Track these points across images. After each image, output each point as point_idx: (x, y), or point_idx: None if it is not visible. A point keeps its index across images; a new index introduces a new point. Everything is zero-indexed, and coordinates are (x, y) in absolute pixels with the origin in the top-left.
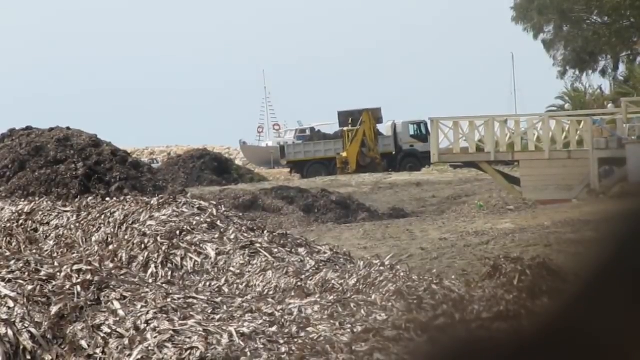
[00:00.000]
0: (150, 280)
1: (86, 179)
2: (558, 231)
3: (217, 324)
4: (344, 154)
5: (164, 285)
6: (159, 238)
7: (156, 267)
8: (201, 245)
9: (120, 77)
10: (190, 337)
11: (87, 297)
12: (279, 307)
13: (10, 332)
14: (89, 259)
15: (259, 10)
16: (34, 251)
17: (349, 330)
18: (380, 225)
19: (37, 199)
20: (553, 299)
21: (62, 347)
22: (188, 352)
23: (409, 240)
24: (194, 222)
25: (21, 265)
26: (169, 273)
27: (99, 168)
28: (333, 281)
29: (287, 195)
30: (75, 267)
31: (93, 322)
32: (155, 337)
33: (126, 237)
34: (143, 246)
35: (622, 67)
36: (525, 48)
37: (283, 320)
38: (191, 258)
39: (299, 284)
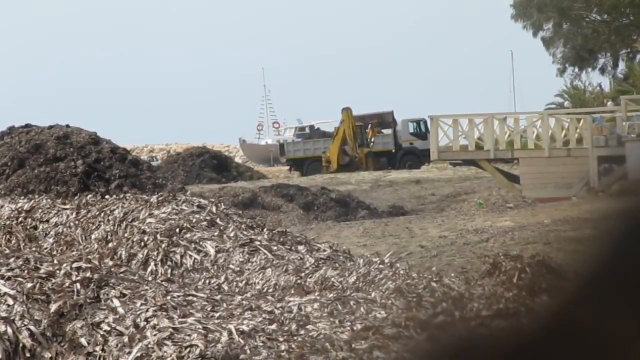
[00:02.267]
0: (150, 278)
1: (85, 176)
2: (557, 229)
3: (216, 321)
4: (328, 153)
5: (163, 282)
6: (158, 236)
7: (156, 265)
8: (201, 243)
9: (120, 75)
10: (189, 335)
11: (87, 295)
12: (278, 305)
13: (9, 330)
14: (89, 256)
15: (258, 8)
16: (34, 249)
17: (348, 328)
18: (380, 223)
19: (36, 196)
20: (552, 296)
21: (62, 344)
22: (187, 349)
23: (408, 238)
24: (194, 220)
25: (21, 262)
26: (169, 271)
27: (99, 166)
28: (332, 279)
29: (286, 193)
30: (74, 265)
31: (92, 320)
32: (155, 335)
33: (126, 234)
34: (142, 244)
35: (621, 65)
36: (525, 46)
37: (282, 317)
38: (191, 256)
39: (299, 281)
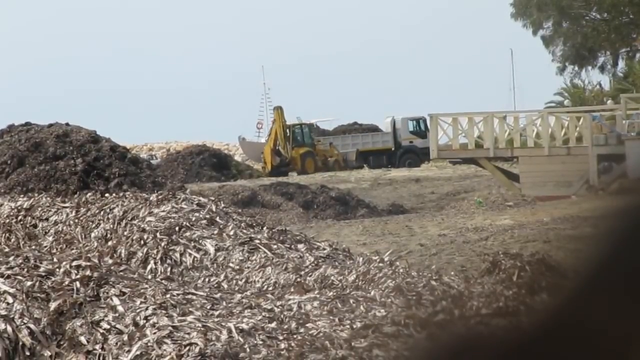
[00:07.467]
0: (150, 276)
1: (85, 174)
2: (557, 227)
3: (216, 319)
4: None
5: (163, 281)
6: (158, 234)
7: (155, 263)
8: (200, 241)
9: (119, 74)
10: (189, 333)
11: (86, 293)
12: (278, 303)
13: (9, 328)
14: (88, 254)
15: (257, 7)
16: (33, 247)
17: (348, 326)
18: (380, 222)
19: (36, 194)
20: (552, 295)
21: (62, 343)
22: (187, 348)
23: (408, 237)
24: (193, 218)
25: (20, 261)
26: (168, 269)
27: (98, 164)
28: (332, 277)
29: (286, 191)
30: (74, 263)
31: (92, 318)
32: (155, 333)
33: (125, 233)
34: (142, 242)
35: (621, 64)
36: (525, 44)
37: (282, 316)
38: (190, 254)
39: (298, 280)
